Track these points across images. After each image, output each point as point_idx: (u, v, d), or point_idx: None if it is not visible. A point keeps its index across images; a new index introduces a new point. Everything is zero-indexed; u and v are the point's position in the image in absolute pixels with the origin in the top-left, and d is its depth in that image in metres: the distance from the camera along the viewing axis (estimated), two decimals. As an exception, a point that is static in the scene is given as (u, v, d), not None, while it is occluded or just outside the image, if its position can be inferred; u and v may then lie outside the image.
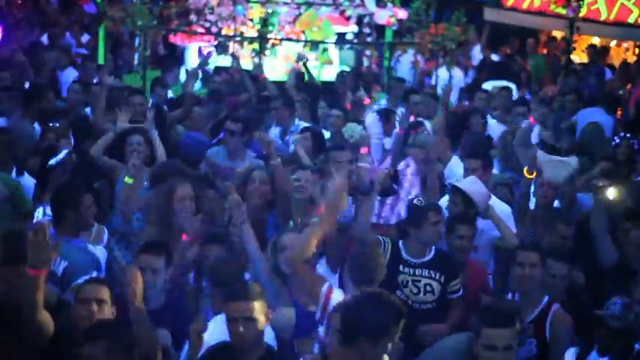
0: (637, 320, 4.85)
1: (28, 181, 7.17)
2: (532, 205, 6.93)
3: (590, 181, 6.87)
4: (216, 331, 4.57)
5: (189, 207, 5.92)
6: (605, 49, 16.49)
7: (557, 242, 6.24)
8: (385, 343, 3.88)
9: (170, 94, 10.40)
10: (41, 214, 5.95)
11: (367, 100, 8.64)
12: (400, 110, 9.22)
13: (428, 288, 5.61)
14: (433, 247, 5.71)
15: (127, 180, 6.61)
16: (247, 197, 6.17)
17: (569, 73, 12.50)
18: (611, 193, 6.20)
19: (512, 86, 11.61)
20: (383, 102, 10.72)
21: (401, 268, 5.62)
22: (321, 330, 4.62)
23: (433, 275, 5.62)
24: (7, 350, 4.41)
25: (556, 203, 6.96)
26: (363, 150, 7.32)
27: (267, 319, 4.42)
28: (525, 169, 6.82)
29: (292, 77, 10.33)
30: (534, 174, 6.76)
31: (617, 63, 16.32)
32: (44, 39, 13.58)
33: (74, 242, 5.47)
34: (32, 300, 4.27)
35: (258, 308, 4.30)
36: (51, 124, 7.88)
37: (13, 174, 7.09)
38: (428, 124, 8.84)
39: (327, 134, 8.70)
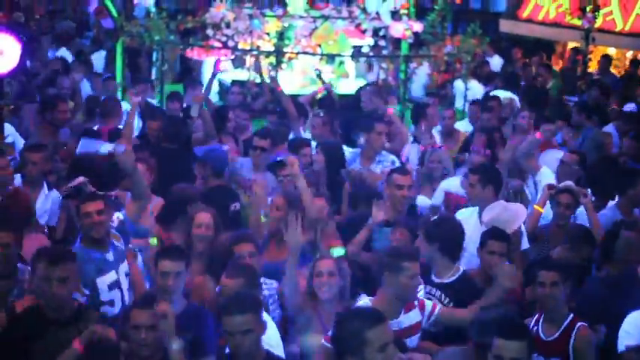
0: None
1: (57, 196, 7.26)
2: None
3: None
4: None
5: (206, 233, 6.05)
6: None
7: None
8: (371, 351, 3.82)
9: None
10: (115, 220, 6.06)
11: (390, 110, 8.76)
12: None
13: None
14: (461, 270, 5.67)
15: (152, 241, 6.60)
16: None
17: (592, 84, 12.43)
18: None
19: (515, 98, 11.62)
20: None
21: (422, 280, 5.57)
22: None
23: (442, 299, 5.52)
24: None
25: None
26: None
27: (264, 328, 4.47)
28: (535, 205, 7.02)
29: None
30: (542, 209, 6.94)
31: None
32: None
33: (83, 252, 5.47)
34: None
35: (254, 319, 4.37)
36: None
37: (45, 189, 7.19)
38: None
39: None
